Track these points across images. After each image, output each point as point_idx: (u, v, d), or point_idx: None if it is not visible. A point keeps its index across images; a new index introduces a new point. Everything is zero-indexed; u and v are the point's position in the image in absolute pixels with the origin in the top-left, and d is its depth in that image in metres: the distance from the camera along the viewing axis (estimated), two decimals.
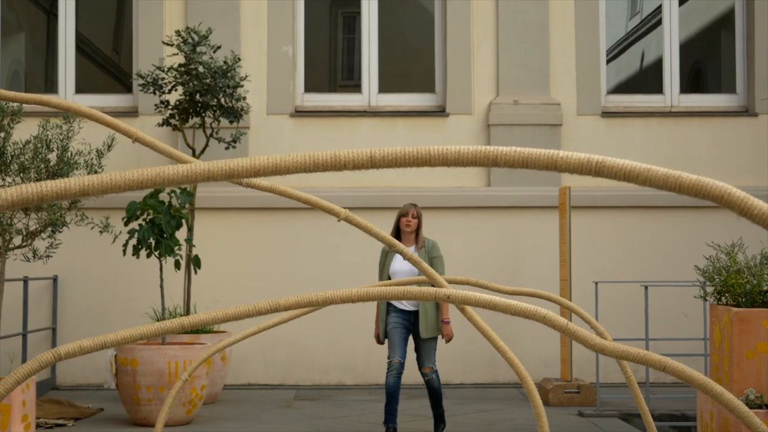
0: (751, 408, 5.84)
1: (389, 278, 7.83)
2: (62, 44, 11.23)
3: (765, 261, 6.91)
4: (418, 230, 8.02)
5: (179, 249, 8.96)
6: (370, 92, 11.24)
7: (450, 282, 3.92)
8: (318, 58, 12.52)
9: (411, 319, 7.99)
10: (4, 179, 8.39)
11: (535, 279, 10.47)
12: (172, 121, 10.00)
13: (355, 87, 11.54)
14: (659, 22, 11.61)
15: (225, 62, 9.79)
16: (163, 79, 9.91)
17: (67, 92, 11.16)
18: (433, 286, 4.20)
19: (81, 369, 10.69)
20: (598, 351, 2.43)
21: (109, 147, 8.95)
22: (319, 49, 12.60)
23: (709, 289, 7.11)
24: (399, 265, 7.90)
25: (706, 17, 12.76)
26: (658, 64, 11.61)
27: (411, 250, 7.42)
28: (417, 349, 8.17)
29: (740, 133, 11.09)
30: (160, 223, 8.69)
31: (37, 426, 8.08)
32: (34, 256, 8.50)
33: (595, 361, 9.62)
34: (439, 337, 8.09)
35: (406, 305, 8.00)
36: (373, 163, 1.68)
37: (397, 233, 7.98)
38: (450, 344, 10.82)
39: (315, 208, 3.82)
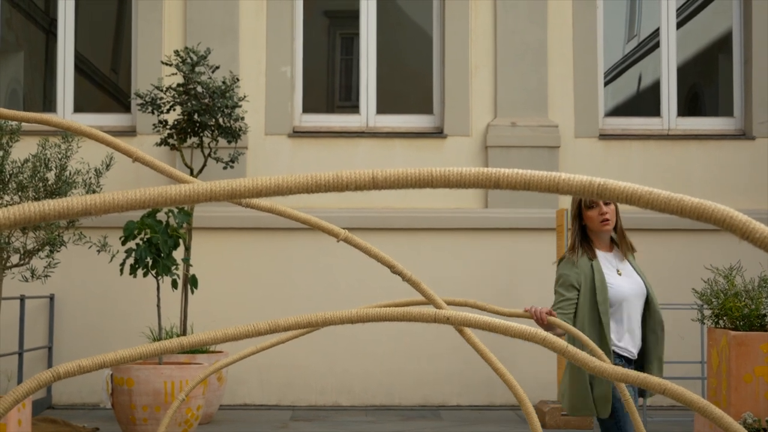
0: None
1: (595, 299, 5.05)
2: (61, 63, 11.24)
3: (763, 285, 6.91)
4: (617, 227, 5.24)
5: (176, 268, 8.96)
6: (368, 113, 11.25)
7: (449, 303, 3.92)
8: (316, 78, 12.54)
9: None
10: (2, 198, 8.39)
11: (532, 301, 10.42)
12: (171, 140, 10.01)
13: (353, 108, 11.56)
14: (657, 45, 11.64)
15: (223, 82, 9.81)
16: (161, 98, 9.93)
17: (65, 111, 11.17)
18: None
19: (77, 388, 10.66)
20: (597, 373, 2.43)
21: (108, 166, 8.96)
22: (317, 70, 12.63)
23: (707, 312, 7.11)
24: (616, 279, 5.13)
25: (704, 40, 12.80)
26: (655, 87, 11.64)
27: (610, 257, 5.18)
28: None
29: (738, 156, 11.11)
30: (157, 243, 8.69)
31: None
32: (32, 276, 8.48)
33: None
34: None
35: (627, 346, 5.13)
36: (375, 184, 1.68)
37: (581, 235, 5.21)
38: (447, 365, 10.85)
39: (313, 229, 3.82)
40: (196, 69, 9.77)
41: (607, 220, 5.08)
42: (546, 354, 9.72)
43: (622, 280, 5.09)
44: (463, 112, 11.10)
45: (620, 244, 5.21)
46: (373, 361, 10.76)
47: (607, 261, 5.18)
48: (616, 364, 4.79)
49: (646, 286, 5.17)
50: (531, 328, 2.40)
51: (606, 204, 5.06)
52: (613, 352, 4.98)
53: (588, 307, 4.99)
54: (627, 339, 5.07)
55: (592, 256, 5.13)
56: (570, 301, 5.03)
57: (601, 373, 2.41)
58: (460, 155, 11.03)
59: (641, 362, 5.18)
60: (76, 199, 1.63)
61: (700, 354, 9.31)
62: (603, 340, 4.96)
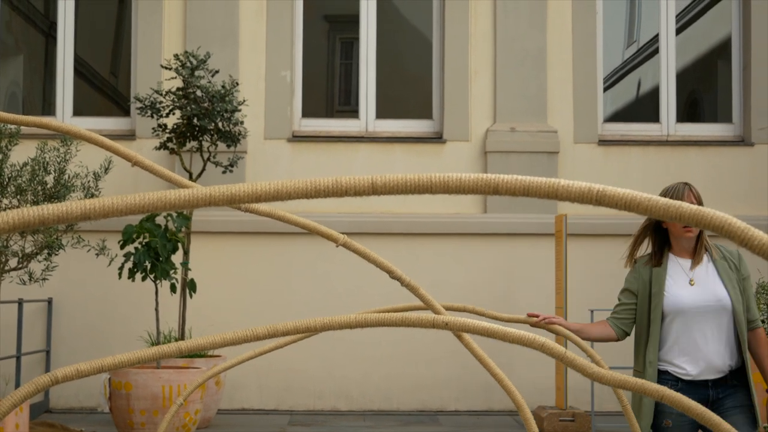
0: None
1: (648, 308, 4.76)
2: (60, 67, 11.24)
3: (761, 291, 6.91)
4: (702, 231, 4.77)
5: (175, 272, 8.95)
6: (367, 118, 11.26)
7: (447, 309, 3.92)
8: (316, 83, 12.55)
9: (711, 398, 4.63)
10: (1, 201, 8.39)
11: (531, 306, 10.45)
12: (170, 144, 10.01)
13: (353, 112, 11.56)
14: (656, 51, 11.65)
15: (223, 86, 9.81)
16: (160, 102, 9.93)
17: (64, 115, 11.17)
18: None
19: (74, 392, 10.65)
20: (595, 379, 2.43)
21: (106, 170, 8.97)
22: (317, 75, 12.63)
23: None
24: (681, 289, 4.71)
25: (703, 46, 12.81)
26: (654, 93, 11.65)
27: (686, 265, 4.76)
28: None
29: (737, 162, 11.12)
30: (156, 247, 8.69)
31: None
32: (30, 279, 8.48)
33: (590, 390, 9.60)
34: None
35: (701, 373, 4.66)
36: (374, 190, 1.68)
37: (660, 240, 4.87)
38: (445, 370, 10.84)
39: (312, 233, 3.82)
40: (196, 73, 9.77)
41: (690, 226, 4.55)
42: (544, 359, 9.72)
43: (688, 290, 4.67)
44: (463, 117, 11.10)
45: (698, 250, 4.76)
46: (371, 366, 10.75)
47: (680, 268, 4.76)
48: (661, 382, 4.57)
49: (731, 299, 4.64)
50: (530, 333, 2.40)
51: None
52: (658, 369, 4.65)
53: (643, 316, 4.77)
54: (677, 354, 4.65)
55: (657, 264, 4.77)
56: (623, 306, 4.84)
57: (598, 379, 2.41)
58: (459, 160, 11.03)
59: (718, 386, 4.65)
60: (75, 204, 1.63)
61: None
62: (639, 350, 4.78)
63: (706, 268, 4.72)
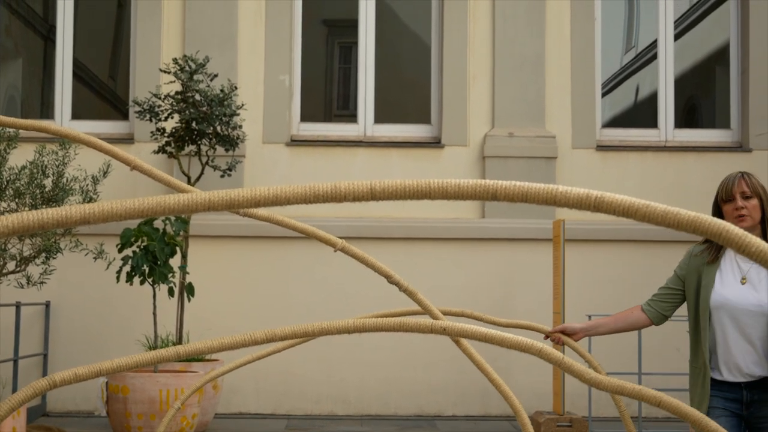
0: None
1: (697, 304, 4.58)
2: (59, 70, 11.25)
3: None
4: (764, 224, 4.49)
5: (173, 276, 8.96)
6: (365, 122, 11.26)
7: (445, 314, 3.92)
8: (314, 87, 12.55)
9: (745, 399, 4.45)
10: None
11: (528, 311, 10.46)
12: (168, 148, 10.01)
13: (351, 117, 11.57)
14: (654, 57, 11.66)
15: (222, 90, 9.82)
16: (159, 106, 9.93)
17: (63, 118, 11.18)
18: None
19: (72, 395, 10.64)
20: (593, 385, 2.43)
21: (105, 173, 8.97)
22: (315, 79, 12.64)
23: None
24: (729, 287, 4.46)
25: (701, 52, 12.83)
26: (652, 99, 11.66)
27: (741, 261, 4.50)
28: None
29: (735, 168, 10.99)
30: (154, 250, 8.69)
31: None
32: (28, 283, 8.48)
33: (588, 395, 9.60)
34: None
35: (732, 373, 4.46)
36: (373, 195, 1.69)
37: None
38: (442, 375, 10.84)
39: (311, 238, 3.82)
40: (195, 77, 9.78)
41: (743, 216, 4.42)
42: (542, 365, 9.73)
43: (735, 288, 4.42)
44: (461, 122, 11.11)
45: None
46: (368, 371, 10.75)
47: (734, 264, 4.49)
48: (717, 393, 4.41)
49: None
50: (528, 339, 2.40)
51: (746, 198, 4.46)
52: (713, 379, 4.44)
53: (691, 313, 4.58)
54: (715, 357, 4.46)
55: (712, 260, 4.50)
56: (667, 290, 4.65)
57: (596, 384, 2.41)
58: (457, 165, 11.04)
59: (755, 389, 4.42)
60: (74, 208, 1.63)
61: None
62: (697, 350, 4.54)
63: (760, 269, 4.38)
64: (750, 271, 4.44)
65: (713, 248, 4.54)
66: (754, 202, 4.47)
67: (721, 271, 4.48)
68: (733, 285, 4.43)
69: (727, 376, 4.43)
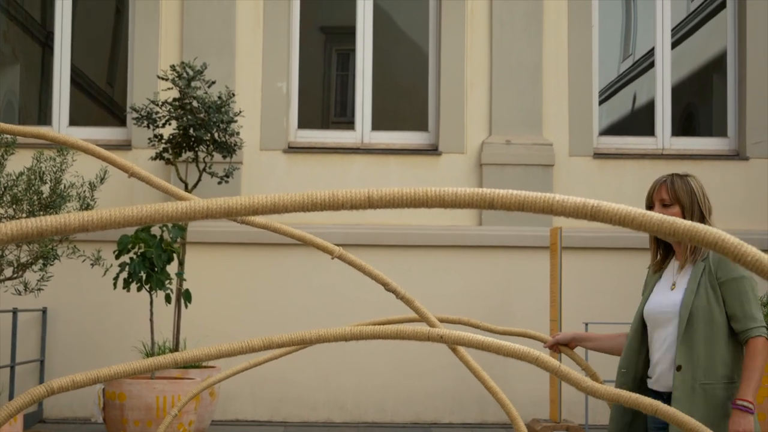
0: None
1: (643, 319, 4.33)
2: (57, 76, 11.25)
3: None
4: None
5: (170, 283, 8.96)
6: (363, 129, 11.27)
7: (442, 321, 3.93)
8: (312, 94, 12.56)
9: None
10: None
11: (525, 319, 10.46)
12: (166, 155, 10.02)
13: (348, 124, 11.58)
14: (651, 65, 11.68)
15: (219, 97, 9.83)
16: (157, 113, 9.94)
17: (60, 124, 11.18)
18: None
19: (68, 402, 10.63)
20: (590, 393, 2.44)
21: (102, 180, 8.97)
22: (313, 86, 12.65)
23: None
24: (657, 295, 4.29)
25: (699, 61, 12.85)
26: (650, 107, 11.68)
27: (676, 268, 4.27)
28: None
29: (732, 176, 11.14)
30: (151, 257, 8.69)
31: None
32: (25, 289, 8.48)
33: (585, 403, 9.60)
34: None
35: (657, 382, 4.21)
36: (370, 204, 1.69)
37: (664, 243, 4.37)
38: (439, 383, 10.84)
39: (308, 245, 3.83)
40: (192, 84, 9.79)
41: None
42: (538, 372, 9.73)
43: (661, 296, 4.23)
44: (458, 129, 11.12)
45: (681, 250, 4.21)
46: (365, 378, 10.75)
47: (671, 273, 4.31)
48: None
49: (691, 305, 4.10)
50: (525, 347, 2.41)
51: (665, 206, 4.23)
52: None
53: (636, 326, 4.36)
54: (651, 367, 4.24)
55: (657, 268, 4.35)
56: (636, 313, 4.36)
57: (593, 392, 2.42)
58: (454, 172, 11.04)
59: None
60: (73, 216, 1.64)
61: None
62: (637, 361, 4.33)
63: (690, 269, 4.17)
64: (680, 275, 4.23)
65: (659, 259, 4.37)
66: (675, 210, 4.23)
67: (663, 280, 4.30)
68: (663, 292, 4.24)
69: (655, 385, 4.21)
